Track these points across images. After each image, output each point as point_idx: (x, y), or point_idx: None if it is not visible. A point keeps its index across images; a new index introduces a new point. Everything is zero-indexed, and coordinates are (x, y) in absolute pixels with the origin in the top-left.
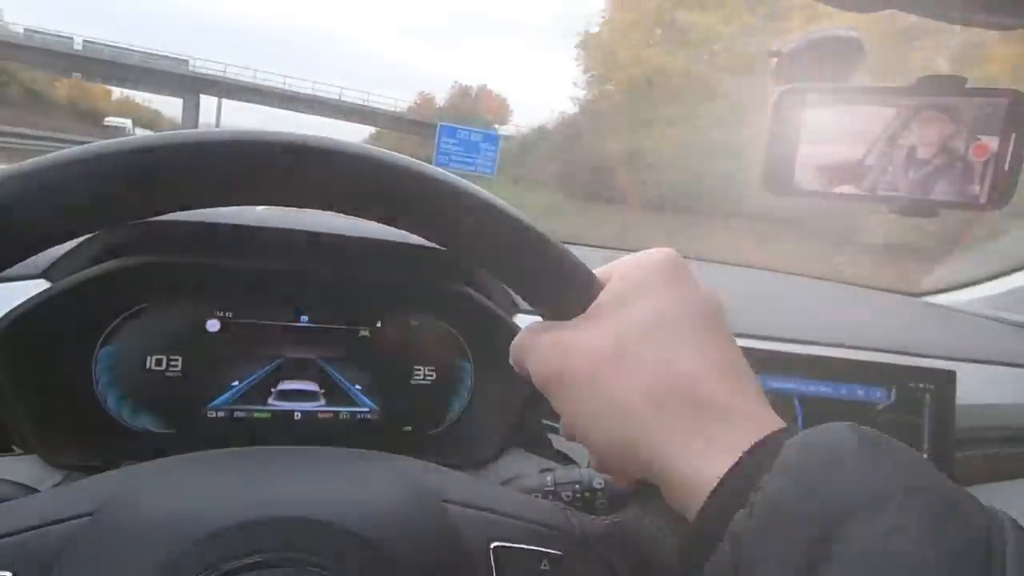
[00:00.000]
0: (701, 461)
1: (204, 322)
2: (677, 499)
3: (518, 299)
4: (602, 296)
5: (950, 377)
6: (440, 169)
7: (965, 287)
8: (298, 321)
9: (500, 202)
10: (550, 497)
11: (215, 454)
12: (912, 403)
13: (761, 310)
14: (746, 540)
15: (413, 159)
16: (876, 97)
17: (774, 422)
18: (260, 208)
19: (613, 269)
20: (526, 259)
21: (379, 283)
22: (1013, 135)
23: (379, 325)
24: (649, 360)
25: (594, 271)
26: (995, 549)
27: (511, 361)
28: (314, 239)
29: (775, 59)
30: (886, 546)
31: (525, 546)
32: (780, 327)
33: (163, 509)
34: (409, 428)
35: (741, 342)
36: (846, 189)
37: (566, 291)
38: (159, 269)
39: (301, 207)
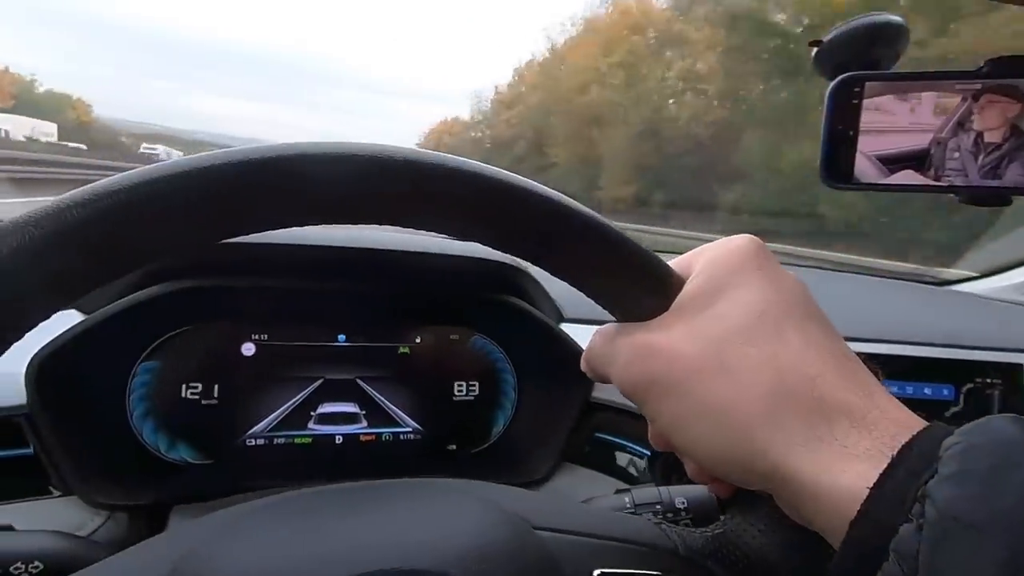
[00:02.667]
0: (835, 470)
1: (239, 347)
2: (805, 511)
3: (564, 307)
4: (685, 293)
5: (1016, 370)
6: (481, 163)
7: (987, 276)
8: (335, 341)
9: (562, 196)
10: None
11: (281, 500)
12: (981, 399)
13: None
14: (923, 559)
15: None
16: (939, 82)
17: (913, 420)
18: None
19: (692, 261)
20: (597, 257)
21: (416, 297)
22: None
23: (418, 341)
24: (753, 360)
25: (673, 262)
26: None
27: (585, 370)
28: (346, 255)
29: (815, 49)
30: None
31: (630, 570)
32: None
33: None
34: (453, 446)
35: None
36: (911, 179)
37: (644, 289)
38: (191, 295)
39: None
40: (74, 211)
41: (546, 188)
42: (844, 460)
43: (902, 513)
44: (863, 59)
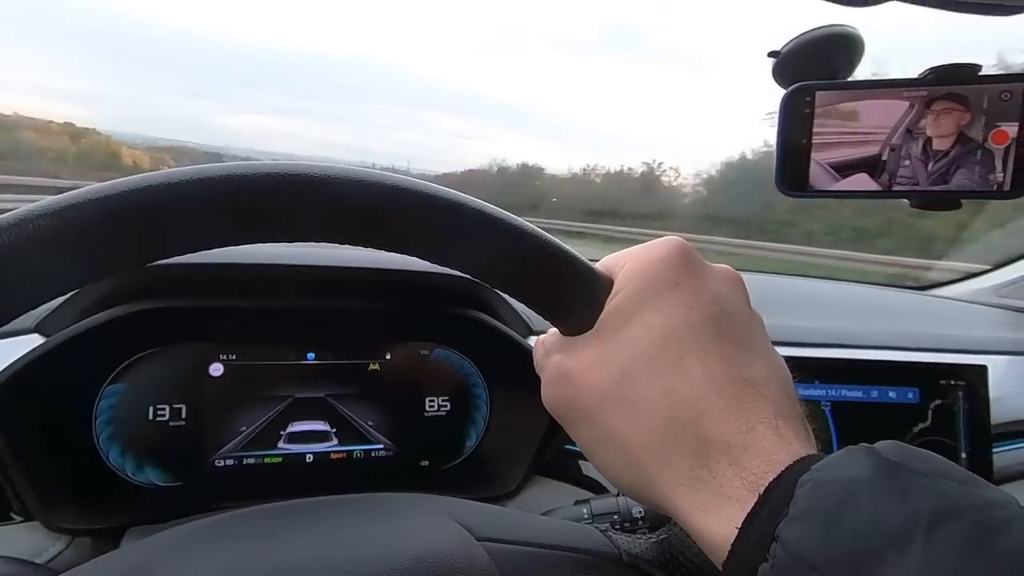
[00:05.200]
0: (711, 511)
1: (207, 367)
2: (704, 550)
3: (531, 319)
4: (608, 307)
5: (981, 372)
6: (411, 178)
7: (968, 279)
8: (304, 359)
9: (486, 205)
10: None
11: (231, 517)
12: (945, 401)
13: (776, 314)
14: None
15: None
16: (888, 90)
17: (791, 452)
18: (249, 246)
19: (620, 264)
20: (525, 266)
21: (385, 314)
22: None
23: (388, 357)
24: (650, 393)
25: (601, 262)
26: None
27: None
28: (314, 273)
29: (774, 59)
30: None
31: None
32: (799, 332)
33: None
34: (426, 463)
35: None
36: (864, 186)
37: (571, 301)
38: (156, 316)
39: (293, 241)
40: None
41: (470, 197)
42: (719, 502)
43: (762, 554)
44: (820, 69)
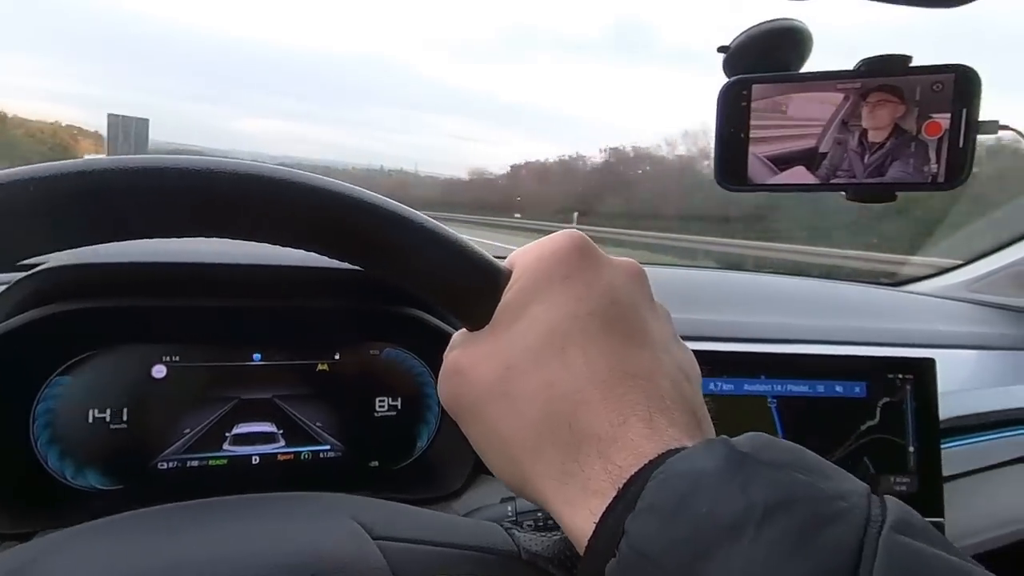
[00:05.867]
0: (577, 504)
1: (149, 369)
2: (569, 538)
3: None
4: (503, 300)
5: (929, 365)
6: (291, 169)
7: (942, 274)
8: (250, 360)
9: (374, 196)
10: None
11: (123, 517)
12: (892, 395)
13: (729, 312)
14: None
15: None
16: (822, 82)
17: (658, 446)
18: (194, 244)
19: (518, 259)
20: (421, 260)
21: (333, 313)
22: (964, 110)
23: (337, 357)
24: (532, 387)
25: (508, 258)
26: (864, 559)
27: None
28: (258, 272)
29: (723, 54)
30: None
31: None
32: (749, 327)
33: None
34: (376, 463)
35: (709, 345)
36: (801, 179)
37: (471, 296)
38: (96, 316)
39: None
40: None
41: (362, 190)
42: (585, 495)
43: (611, 550)
44: (770, 63)
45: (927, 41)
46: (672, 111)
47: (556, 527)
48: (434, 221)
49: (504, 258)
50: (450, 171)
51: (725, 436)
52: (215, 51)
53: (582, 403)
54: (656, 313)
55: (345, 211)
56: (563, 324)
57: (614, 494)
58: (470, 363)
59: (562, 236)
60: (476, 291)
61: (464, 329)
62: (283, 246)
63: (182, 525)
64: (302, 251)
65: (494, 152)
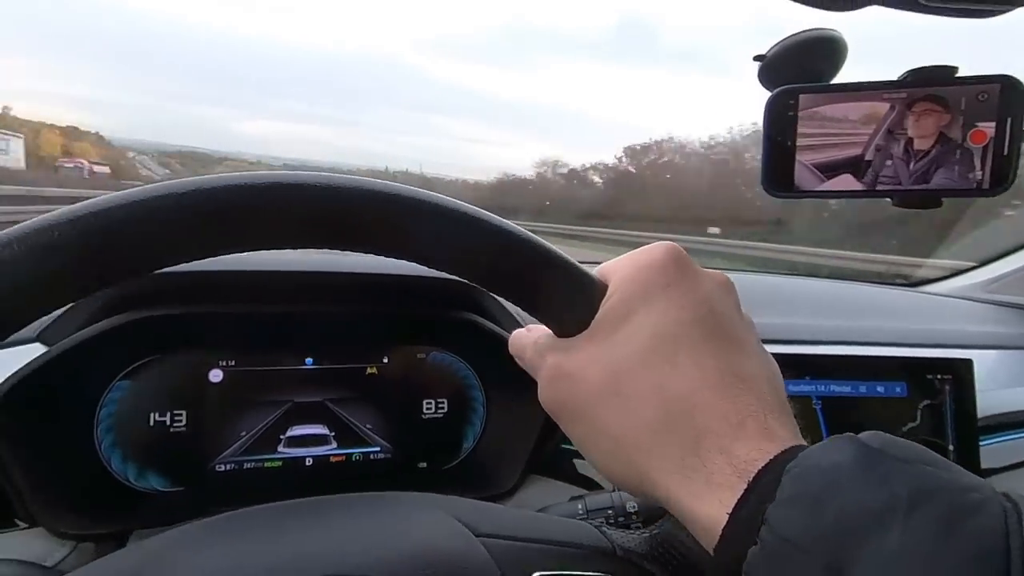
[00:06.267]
0: (704, 497)
1: (206, 373)
2: (691, 533)
3: (524, 319)
4: (602, 309)
5: (968, 366)
6: (400, 184)
7: (958, 275)
8: (303, 364)
9: (480, 211)
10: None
11: (231, 516)
12: (933, 396)
13: (767, 313)
14: None
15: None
16: (868, 92)
17: (778, 443)
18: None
19: (614, 270)
20: (520, 271)
21: (381, 318)
22: (1009, 120)
23: (385, 361)
24: (644, 388)
25: (597, 269)
26: (1014, 545)
27: (513, 355)
28: (310, 279)
29: (760, 63)
30: (899, 564)
31: (567, 572)
32: (790, 329)
33: None
34: (424, 464)
35: None
36: (848, 186)
37: (567, 304)
38: (156, 324)
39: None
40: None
41: (466, 204)
42: (710, 488)
43: (751, 537)
44: (804, 72)
45: (961, 50)
46: (682, 112)
47: (628, 526)
48: (532, 234)
49: (592, 264)
50: (456, 173)
51: (849, 433)
52: (220, 52)
53: (698, 404)
54: (746, 321)
55: (458, 229)
56: (670, 330)
57: (743, 486)
58: (577, 367)
59: (658, 248)
60: (575, 300)
61: (547, 333)
62: (388, 257)
63: (294, 523)
64: (351, 258)
65: (500, 153)
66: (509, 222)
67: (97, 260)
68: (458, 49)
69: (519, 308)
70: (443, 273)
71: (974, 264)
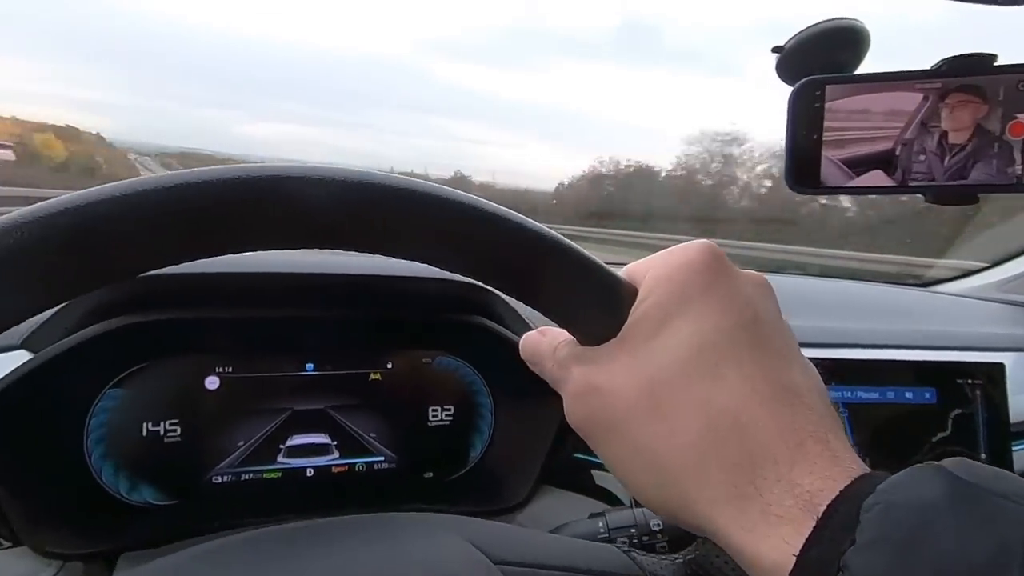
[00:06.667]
0: (759, 532)
1: (202, 381)
2: (740, 566)
3: (536, 324)
4: (634, 315)
5: (1000, 370)
6: (413, 179)
7: (970, 275)
8: (303, 370)
9: (491, 204)
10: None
11: (233, 540)
12: (963, 401)
13: (797, 316)
14: None
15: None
16: (900, 82)
17: (840, 471)
18: (244, 255)
19: (644, 271)
20: (546, 274)
21: (385, 322)
22: None
23: (389, 367)
24: (686, 404)
25: (624, 270)
26: None
27: (525, 359)
28: (310, 281)
29: (778, 54)
30: None
31: None
32: (812, 331)
33: None
34: (430, 474)
35: None
36: (878, 182)
37: (594, 309)
38: (148, 329)
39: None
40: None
41: (482, 199)
42: (767, 522)
43: None
44: (825, 63)
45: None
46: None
47: (653, 547)
48: (556, 233)
49: (618, 266)
50: (461, 174)
51: (934, 462)
52: (221, 54)
53: (750, 422)
54: (787, 327)
55: (470, 223)
56: (710, 337)
57: (809, 522)
58: (606, 380)
59: (696, 247)
60: (600, 304)
61: (570, 341)
62: (397, 258)
63: (300, 549)
64: (352, 259)
65: (504, 155)
66: (525, 217)
67: (74, 263)
68: (461, 50)
69: (535, 311)
70: (449, 273)
71: (986, 264)
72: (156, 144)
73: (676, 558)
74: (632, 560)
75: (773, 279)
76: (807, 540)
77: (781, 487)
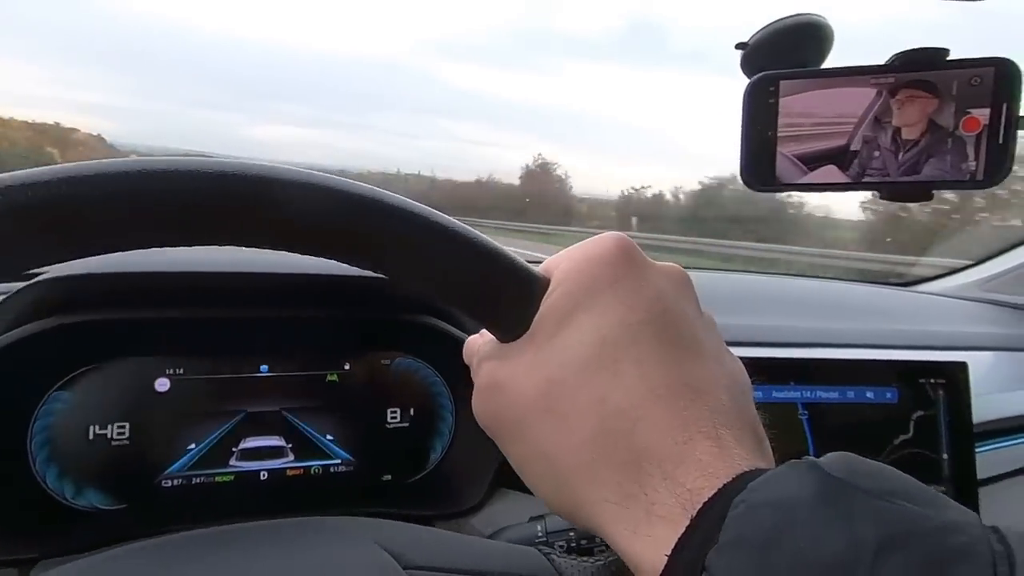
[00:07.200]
0: (640, 532)
1: (152, 383)
2: (632, 569)
3: None
4: (540, 313)
5: (961, 369)
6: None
7: (953, 273)
8: (257, 371)
9: (404, 200)
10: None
11: (140, 547)
12: (925, 401)
13: (751, 314)
14: None
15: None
16: (854, 78)
17: (730, 466)
18: (196, 253)
19: (558, 264)
20: (451, 267)
21: (342, 321)
22: (1004, 105)
23: (347, 368)
24: (581, 403)
25: (543, 264)
26: None
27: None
28: (264, 281)
29: (742, 51)
30: None
31: None
32: (774, 332)
33: None
34: (388, 477)
35: (735, 351)
36: (832, 178)
37: (503, 304)
38: (95, 329)
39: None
40: None
41: (392, 193)
42: (650, 521)
43: None
44: (789, 60)
45: (951, 35)
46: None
47: (591, 550)
48: (463, 225)
49: (537, 263)
50: (467, 176)
51: (811, 458)
52: (225, 57)
53: (641, 419)
54: (704, 321)
55: (364, 214)
56: (613, 333)
57: (686, 522)
58: (509, 376)
59: (607, 239)
60: (511, 298)
61: (492, 339)
62: (299, 254)
63: (198, 556)
64: (308, 258)
65: (506, 155)
66: (431, 209)
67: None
68: (465, 51)
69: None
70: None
71: (969, 262)
72: (158, 146)
73: (597, 560)
74: (551, 563)
75: (743, 279)
76: (679, 540)
77: (666, 486)
